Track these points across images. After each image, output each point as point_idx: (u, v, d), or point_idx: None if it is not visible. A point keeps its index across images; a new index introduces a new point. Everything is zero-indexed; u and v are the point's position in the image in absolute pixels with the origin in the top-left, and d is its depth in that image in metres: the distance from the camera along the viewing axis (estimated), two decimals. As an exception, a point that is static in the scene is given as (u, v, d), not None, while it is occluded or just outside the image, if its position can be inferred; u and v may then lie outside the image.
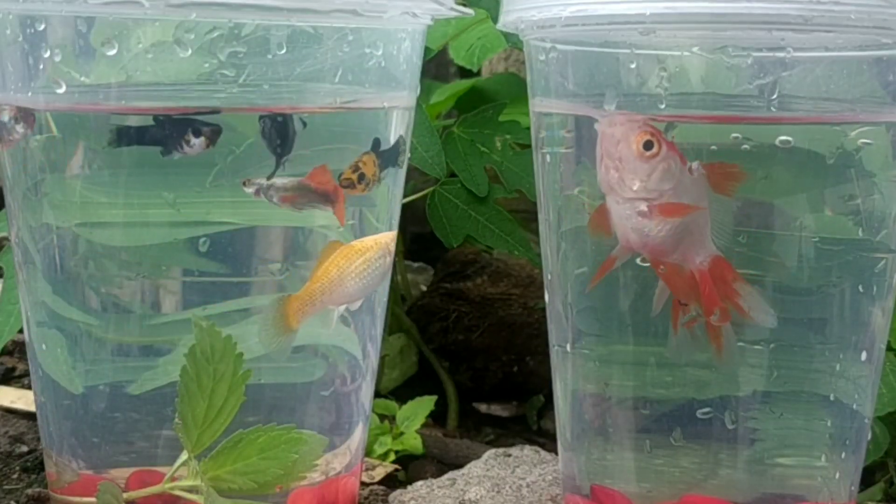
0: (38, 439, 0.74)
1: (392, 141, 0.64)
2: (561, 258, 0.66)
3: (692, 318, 0.61)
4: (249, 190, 0.61)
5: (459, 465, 0.79)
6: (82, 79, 0.59)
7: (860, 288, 0.62)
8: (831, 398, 0.63)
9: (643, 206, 0.59)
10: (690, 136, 0.60)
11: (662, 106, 0.60)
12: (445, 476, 0.76)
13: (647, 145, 0.58)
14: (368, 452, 0.80)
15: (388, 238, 0.66)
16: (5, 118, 0.61)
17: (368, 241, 0.64)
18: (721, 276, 0.60)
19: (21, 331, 0.71)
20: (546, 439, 0.90)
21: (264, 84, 0.60)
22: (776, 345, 0.61)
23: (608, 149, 0.59)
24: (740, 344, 0.61)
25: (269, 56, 0.59)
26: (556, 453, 0.71)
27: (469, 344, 0.96)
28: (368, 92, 0.64)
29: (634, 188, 0.59)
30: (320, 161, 0.62)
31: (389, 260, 0.66)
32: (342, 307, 0.64)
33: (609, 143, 0.59)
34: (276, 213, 0.62)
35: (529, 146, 0.70)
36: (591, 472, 0.66)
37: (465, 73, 1.13)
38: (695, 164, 0.59)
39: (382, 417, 0.86)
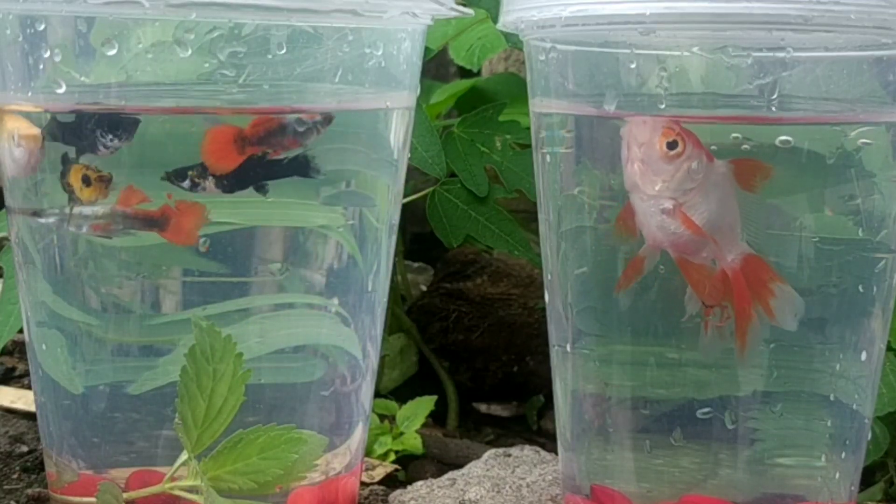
0: (38, 439, 0.74)
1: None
2: (561, 258, 0.66)
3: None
4: (48, 220, 0.59)
5: (459, 465, 0.79)
6: (82, 79, 0.59)
7: (860, 288, 0.62)
8: (831, 398, 0.63)
9: (668, 205, 0.59)
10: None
11: (662, 106, 0.60)
12: (445, 476, 0.76)
13: (672, 145, 0.58)
14: (368, 452, 0.80)
15: None
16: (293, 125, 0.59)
17: None
18: (755, 274, 0.60)
19: (21, 331, 0.71)
20: (546, 439, 0.90)
21: (264, 84, 0.60)
22: (776, 345, 0.61)
23: (632, 149, 0.59)
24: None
25: (269, 56, 0.59)
26: (556, 453, 0.71)
27: (469, 344, 0.96)
28: (368, 92, 0.64)
29: (658, 188, 0.59)
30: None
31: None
32: None
33: (633, 143, 0.59)
34: (276, 213, 0.62)
35: (529, 146, 0.70)
36: (591, 472, 0.66)
37: (465, 73, 1.13)
38: (722, 162, 0.59)
39: (382, 417, 0.86)
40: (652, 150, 0.59)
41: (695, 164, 0.59)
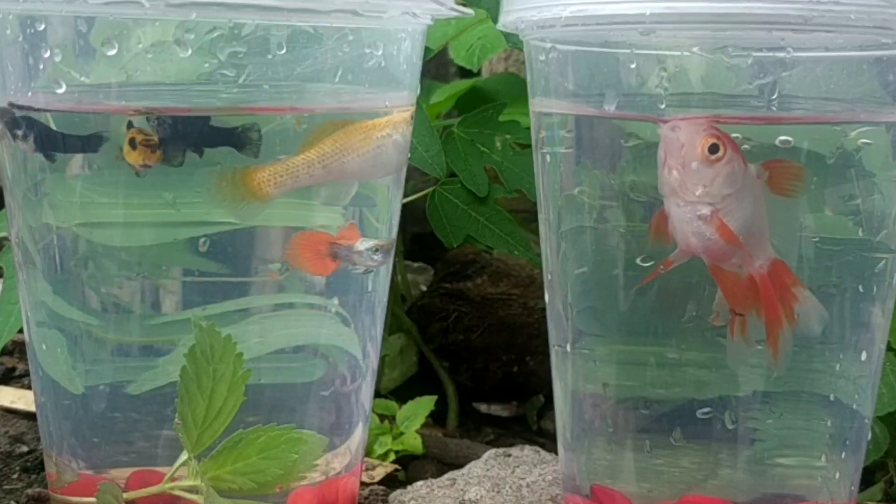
0: (38, 439, 0.74)
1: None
2: (561, 258, 0.66)
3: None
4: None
5: (459, 465, 0.79)
6: (82, 79, 0.59)
7: (860, 288, 0.62)
8: (831, 398, 0.63)
9: (706, 211, 0.58)
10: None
11: (662, 106, 0.60)
12: (445, 476, 0.76)
13: (713, 149, 0.58)
14: (368, 452, 0.80)
15: (400, 117, 0.64)
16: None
17: (381, 120, 0.63)
18: (780, 280, 0.60)
19: (21, 331, 0.71)
20: (546, 439, 0.90)
21: (264, 84, 0.60)
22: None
23: (672, 152, 0.58)
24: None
25: (269, 56, 0.59)
26: (556, 453, 0.71)
27: (469, 344, 0.96)
28: (368, 92, 0.64)
29: (698, 193, 0.58)
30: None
31: (399, 137, 0.63)
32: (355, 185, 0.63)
33: (673, 146, 0.58)
34: (276, 213, 0.62)
35: (529, 146, 0.70)
36: (591, 472, 0.66)
37: (465, 73, 1.13)
38: (754, 166, 0.59)
39: (382, 417, 0.86)
40: (692, 153, 0.58)
41: (734, 169, 0.58)
